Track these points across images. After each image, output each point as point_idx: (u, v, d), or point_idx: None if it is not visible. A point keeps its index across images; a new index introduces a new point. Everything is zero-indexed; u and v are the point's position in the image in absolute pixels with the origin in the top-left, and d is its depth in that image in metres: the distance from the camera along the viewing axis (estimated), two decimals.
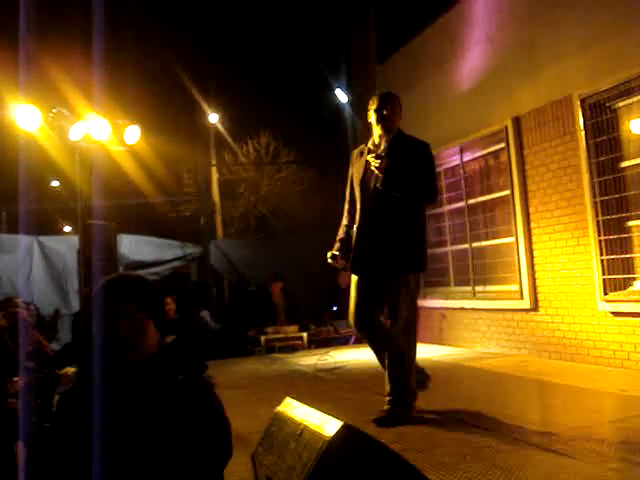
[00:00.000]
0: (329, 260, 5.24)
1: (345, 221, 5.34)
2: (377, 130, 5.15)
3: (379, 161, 4.79)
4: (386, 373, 4.98)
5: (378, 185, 4.88)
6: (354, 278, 5.18)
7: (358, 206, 5.12)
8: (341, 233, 5.32)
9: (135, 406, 2.22)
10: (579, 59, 7.06)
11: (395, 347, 4.91)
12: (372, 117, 5.20)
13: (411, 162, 4.92)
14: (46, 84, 10.76)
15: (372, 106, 5.19)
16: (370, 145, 5.20)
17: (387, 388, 4.95)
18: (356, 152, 5.37)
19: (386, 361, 4.98)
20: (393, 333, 4.89)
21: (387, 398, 4.91)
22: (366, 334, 5.19)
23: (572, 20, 7.15)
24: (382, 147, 5.08)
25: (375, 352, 5.23)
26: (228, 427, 2.44)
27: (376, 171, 4.84)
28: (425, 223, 5.10)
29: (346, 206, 5.37)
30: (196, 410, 2.27)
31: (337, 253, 5.19)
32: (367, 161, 4.98)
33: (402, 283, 4.90)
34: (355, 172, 5.23)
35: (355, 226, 5.15)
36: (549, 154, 7.53)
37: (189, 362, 2.44)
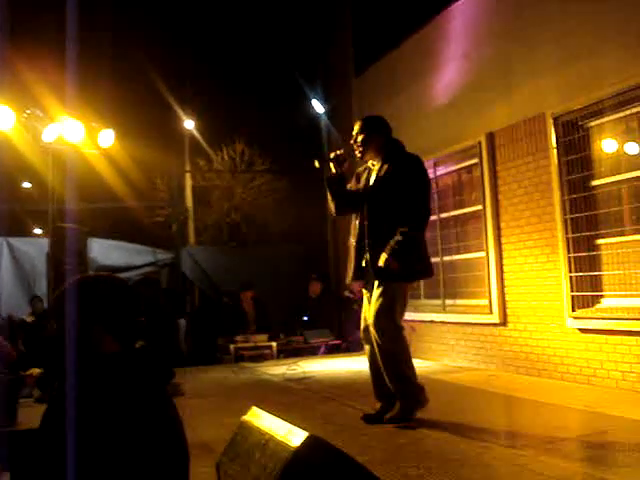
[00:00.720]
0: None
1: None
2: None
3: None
4: (387, 379, 5.11)
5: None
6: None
7: (354, 221, 5.44)
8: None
9: (87, 416, 2.14)
10: (553, 78, 7.14)
11: (381, 352, 5.07)
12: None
13: (397, 185, 5.15)
14: (20, 85, 10.67)
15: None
16: (370, 164, 5.48)
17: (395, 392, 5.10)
18: (359, 171, 5.66)
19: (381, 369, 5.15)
20: (379, 339, 5.06)
21: (397, 399, 5.08)
22: (365, 342, 5.37)
23: (547, 39, 7.23)
24: (376, 167, 5.38)
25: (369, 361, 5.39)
26: (183, 442, 2.34)
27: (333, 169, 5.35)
28: (416, 236, 5.17)
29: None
30: (147, 425, 2.20)
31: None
32: (364, 177, 5.44)
33: (384, 292, 5.06)
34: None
35: (352, 239, 5.43)
36: (521, 170, 7.59)
37: (153, 369, 2.36)
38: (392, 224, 5.07)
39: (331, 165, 5.48)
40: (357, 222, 5.34)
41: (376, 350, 5.11)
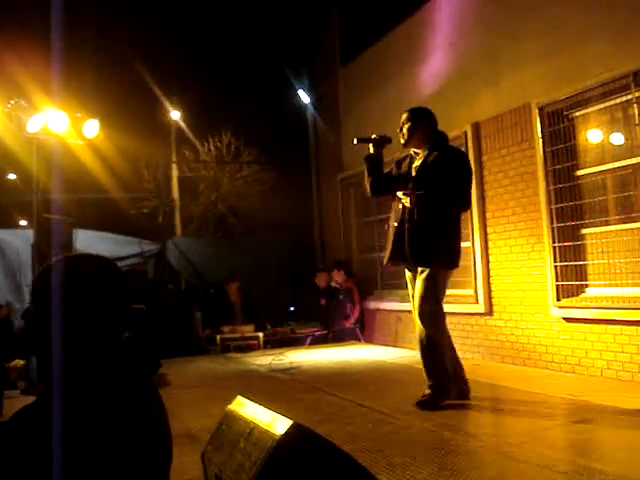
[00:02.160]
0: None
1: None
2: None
3: (407, 198, 5.18)
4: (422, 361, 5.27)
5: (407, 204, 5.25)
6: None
7: (394, 204, 5.49)
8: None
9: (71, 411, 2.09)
10: (539, 68, 7.16)
11: (422, 337, 5.22)
12: None
13: (444, 172, 5.26)
14: (4, 75, 10.58)
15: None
16: (412, 152, 5.58)
17: (425, 375, 5.24)
18: (401, 157, 5.75)
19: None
20: (421, 323, 5.22)
21: (427, 384, 5.21)
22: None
23: (533, 30, 7.24)
24: (420, 155, 5.46)
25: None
26: (167, 434, 2.32)
27: (407, 204, 5.20)
28: (455, 224, 5.37)
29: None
30: (132, 418, 2.16)
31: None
32: (409, 165, 5.51)
33: (426, 277, 5.20)
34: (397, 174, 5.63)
35: (392, 221, 5.50)
36: (507, 160, 7.61)
37: (140, 361, 2.28)
38: (435, 211, 5.20)
39: (370, 145, 5.66)
40: (399, 205, 5.36)
41: (417, 334, 5.26)
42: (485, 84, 8.00)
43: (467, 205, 5.47)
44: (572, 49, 6.70)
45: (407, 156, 5.62)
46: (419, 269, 5.28)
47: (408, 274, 5.52)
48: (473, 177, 5.55)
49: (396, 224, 5.38)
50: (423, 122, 5.52)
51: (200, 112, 18.17)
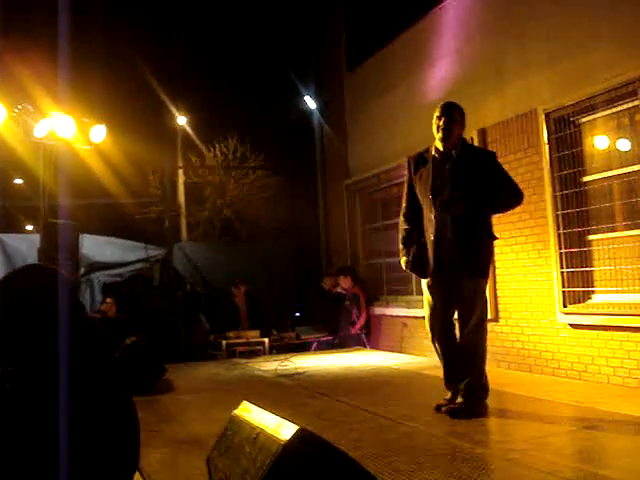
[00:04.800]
0: (404, 266, 5.49)
1: (406, 225, 5.48)
2: (437, 137, 5.31)
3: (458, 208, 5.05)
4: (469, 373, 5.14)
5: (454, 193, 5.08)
6: (428, 282, 5.32)
7: (429, 214, 5.21)
8: (406, 238, 5.45)
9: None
10: (545, 74, 7.15)
11: (469, 345, 5.15)
12: (433, 125, 5.35)
13: (483, 172, 5.17)
14: (11, 80, 10.62)
15: (434, 114, 5.37)
16: (434, 152, 5.32)
17: (460, 384, 5.14)
18: (414, 159, 5.49)
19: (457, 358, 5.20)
20: (468, 332, 5.14)
21: (461, 392, 5.11)
22: (442, 334, 5.31)
23: (539, 35, 7.24)
24: (452, 153, 5.24)
25: (442, 351, 5.35)
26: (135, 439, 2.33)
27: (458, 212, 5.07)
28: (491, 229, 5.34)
29: (404, 212, 5.52)
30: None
31: (411, 259, 5.39)
32: (435, 169, 5.23)
33: (479, 285, 5.18)
34: (420, 180, 5.36)
35: (429, 233, 5.23)
36: (513, 166, 7.58)
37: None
38: (476, 215, 5.14)
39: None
40: (432, 215, 5.17)
41: (467, 345, 5.15)
42: (491, 90, 8.00)
43: (522, 195, 5.31)
44: (578, 55, 6.70)
45: (420, 159, 5.41)
46: (465, 279, 5.13)
47: (426, 280, 5.31)
48: None
49: (432, 237, 5.16)
50: (463, 120, 5.38)
51: (206, 118, 18.19)
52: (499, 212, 5.55)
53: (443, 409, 5.17)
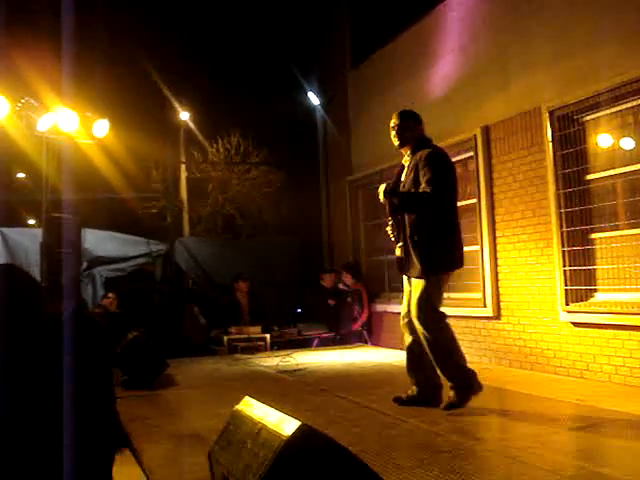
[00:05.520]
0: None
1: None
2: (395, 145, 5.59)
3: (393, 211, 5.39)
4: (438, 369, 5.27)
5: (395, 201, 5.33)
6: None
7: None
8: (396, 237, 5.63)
9: None
10: (549, 72, 7.14)
11: (429, 343, 5.19)
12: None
13: (417, 174, 5.26)
14: (14, 74, 10.62)
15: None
16: (403, 161, 5.57)
17: (448, 381, 5.24)
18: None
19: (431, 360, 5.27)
20: (424, 330, 5.19)
21: (450, 387, 5.20)
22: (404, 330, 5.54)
23: (543, 33, 7.23)
24: (406, 164, 5.49)
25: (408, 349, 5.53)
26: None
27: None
28: (445, 226, 5.28)
29: None
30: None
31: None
32: (398, 174, 5.54)
33: (422, 283, 5.20)
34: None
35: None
36: (517, 164, 7.59)
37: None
38: (418, 217, 5.25)
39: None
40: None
41: (423, 342, 5.21)
42: (495, 87, 7.99)
43: (443, 199, 5.23)
44: (582, 53, 6.69)
45: (401, 167, 5.59)
46: (413, 275, 5.30)
47: (406, 284, 5.52)
48: (450, 173, 5.39)
49: (393, 238, 5.51)
50: (416, 124, 5.52)
51: (209, 113, 18.18)
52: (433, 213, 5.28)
53: (402, 398, 5.39)
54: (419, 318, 5.17)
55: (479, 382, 5.21)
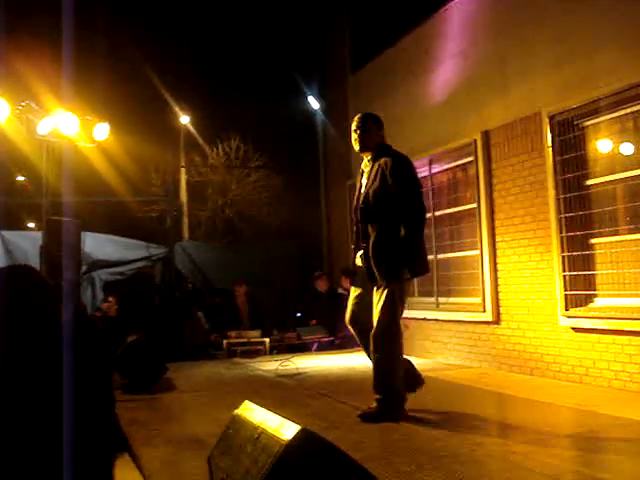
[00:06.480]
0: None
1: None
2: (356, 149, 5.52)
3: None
4: (376, 374, 5.16)
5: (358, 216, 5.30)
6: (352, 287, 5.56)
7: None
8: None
9: None
10: (549, 77, 7.14)
11: (380, 352, 5.09)
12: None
13: (386, 182, 5.15)
14: (15, 77, 10.63)
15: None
16: (363, 166, 5.48)
17: (376, 393, 5.12)
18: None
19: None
20: (380, 339, 5.09)
21: (375, 396, 5.10)
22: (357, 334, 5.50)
23: (543, 38, 7.23)
24: (366, 170, 5.39)
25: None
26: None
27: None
28: (410, 235, 5.11)
29: None
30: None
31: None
32: (361, 179, 5.41)
33: (384, 293, 5.10)
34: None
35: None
36: (517, 169, 7.59)
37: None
38: (381, 225, 5.16)
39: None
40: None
41: (372, 348, 5.11)
42: (495, 92, 7.99)
43: (418, 214, 5.15)
44: (582, 58, 6.69)
45: (362, 173, 5.48)
46: (375, 285, 5.20)
47: (354, 289, 5.49)
48: (416, 182, 5.28)
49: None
50: (378, 129, 5.44)
51: (209, 117, 18.22)
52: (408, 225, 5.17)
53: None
54: (376, 336, 5.06)
55: (405, 411, 5.07)
